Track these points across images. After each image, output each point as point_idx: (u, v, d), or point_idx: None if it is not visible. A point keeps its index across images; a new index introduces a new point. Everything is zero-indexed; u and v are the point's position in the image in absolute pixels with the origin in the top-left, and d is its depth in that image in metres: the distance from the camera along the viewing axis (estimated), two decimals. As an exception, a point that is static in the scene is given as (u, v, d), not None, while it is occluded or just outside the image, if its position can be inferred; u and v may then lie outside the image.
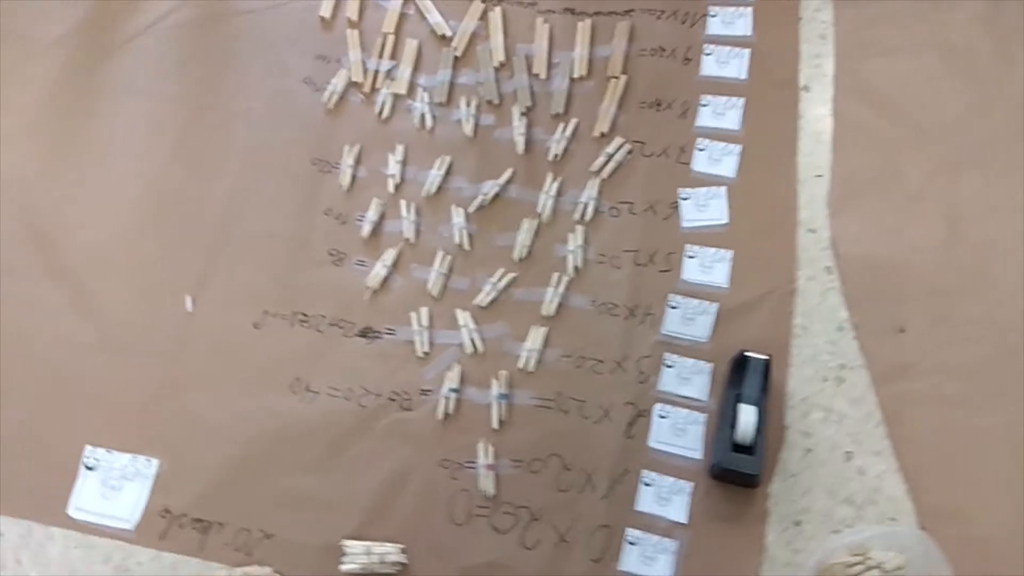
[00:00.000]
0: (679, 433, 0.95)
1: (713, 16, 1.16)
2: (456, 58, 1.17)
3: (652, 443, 0.95)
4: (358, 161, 1.12)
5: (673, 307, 1.00)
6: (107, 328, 1.06)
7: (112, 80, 1.21)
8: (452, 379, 0.99)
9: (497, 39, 1.16)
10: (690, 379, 0.97)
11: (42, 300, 1.08)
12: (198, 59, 1.22)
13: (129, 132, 1.18)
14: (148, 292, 1.08)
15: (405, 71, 1.16)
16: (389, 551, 0.91)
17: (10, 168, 1.16)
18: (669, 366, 0.98)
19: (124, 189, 1.14)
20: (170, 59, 1.22)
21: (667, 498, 0.92)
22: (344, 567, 0.90)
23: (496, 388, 0.98)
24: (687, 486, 0.93)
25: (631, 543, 0.91)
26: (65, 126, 1.19)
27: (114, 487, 0.99)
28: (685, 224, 1.05)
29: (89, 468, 1.00)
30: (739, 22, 1.14)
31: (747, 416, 0.88)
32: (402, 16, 1.20)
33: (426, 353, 1.02)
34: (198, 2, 1.25)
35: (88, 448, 1.00)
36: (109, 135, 1.18)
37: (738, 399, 0.91)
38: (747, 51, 1.13)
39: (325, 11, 1.21)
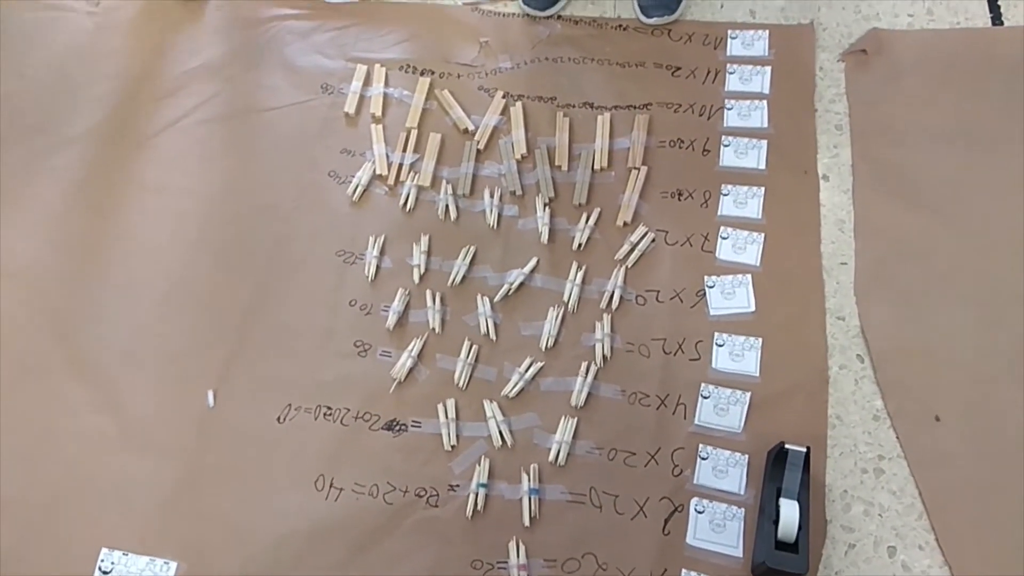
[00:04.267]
0: (718, 529, 0.95)
1: (729, 109, 1.23)
2: (479, 151, 1.24)
3: (691, 540, 0.95)
4: (383, 252, 1.17)
5: (705, 397, 1.02)
6: (128, 424, 1.08)
7: (136, 175, 1.28)
8: (481, 474, 1.00)
9: (519, 132, 1.23)
10: (726, 472, 0.98)
11: (63, 396, 1.11)
12: (223, 154, 1.29)
13: (153, 226, 1.23)
14: (170, 387, 1.10)
15: (429, 164, 1.23)
16: (418, 659, 0.90)
17: (33, 261, 1.21)
18: (704, 458, 0.99)
19: (147, 284, 1.19)
20: (195, 154, 1.29)
21: (708, 599, 0.92)
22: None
23: (527, 483, 0.99)
24: (729, 586, 0.93)
25: (672, 648, 0.90)
26: (89, 220, 1.25)
27: (130, 592, 0.99)
28: (712, 312, 1.08)
29: (105, 573, 1.00)
30: (755, 114, 1.22)
31: (790, 512, 0.89)
32: (425, 111, 1.28)
33: (453, 446, 1.03)
34: (223, 99, 1.33)
35: (104, 551, 1.00)
36: (133, 229, 1.23)
37: (778, 493, 0.92)
38: (764, 142, 1.19)
39: (350, 107, 1.29)
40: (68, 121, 1.34)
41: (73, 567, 1.00)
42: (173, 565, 0.99)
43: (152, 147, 1.30)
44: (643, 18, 1.31)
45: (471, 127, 1.25)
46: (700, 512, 0.96)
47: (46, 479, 1.06)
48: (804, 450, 0.94)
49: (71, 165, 1.29)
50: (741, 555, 0.94)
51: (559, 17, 1.34)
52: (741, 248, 1.12)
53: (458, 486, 1.01)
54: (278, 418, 1.07)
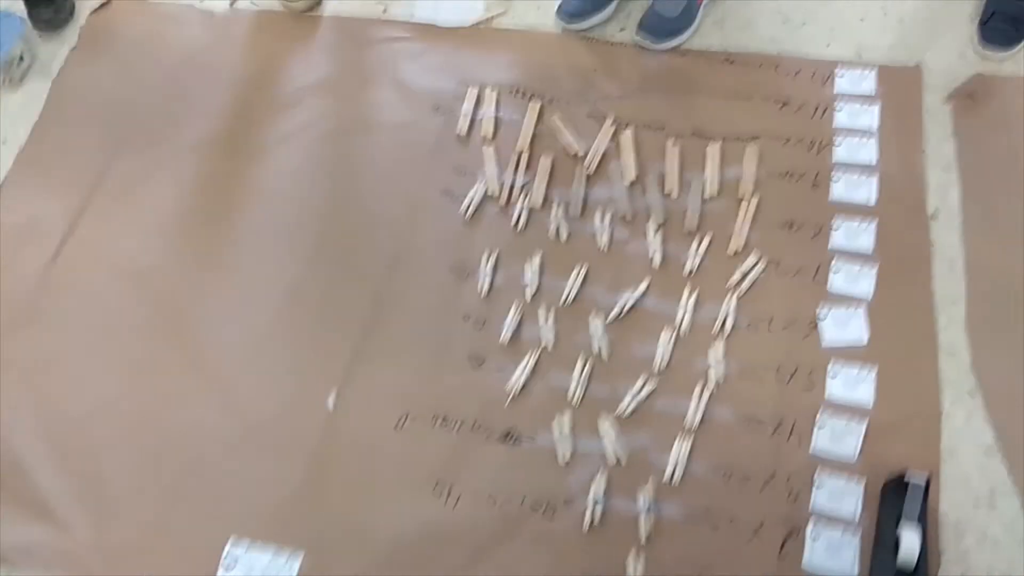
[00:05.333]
0: (833, 555, 0.99)
1: (838, 144, 1.28)
2: (589, 175, 1.29)
3: (806, 565, 0.99)
4: (496, 269, 1.23)
5: (820, 426, 1.06)
6: (249, 423, 1.14)
7: (253, 183, 1.35)
8: (597, 489, 1.05)
9: (629, 158, 1.29)
10: (841, 498, 1.02)
11: (184, 395, 1.18)
12: (338, 167, 1.36)
13: (270, 235, 1.30)
14: (290, 390, 1.17)
15: (540, 185, 1.29)
16: (540, 667, 0.94)
17: (153, 264, 1.29)
18: (819, 485, 1.03)
19: (264, 290, 1.25)
20: (310, 166, 1.36)
21: (825, 624, 0.95)
22: None
23: (643, 501, 1.04)
24: (845, 611, 0.96)
25: (790, 670, 0.93)
26: (207, 226, 1.32)
27: (255, 585, 1.04)
28: (825, 343, 1.13)
29: (230, 563, 1.05)
30: (864, 150, 1.27)
31: (910, 540, 0.93)
32: (535, 134, 1.34)
33: (568, 461, 1.08)
34: (337, 114, 1.41)
35: (232, 539, 1.06)
36: (250, 237, 1.30)
37: (897, 522, 0.95)
38: (874, 178, 1.24)
39: (461, 128, 1.36)
40: (185, 129, 1.42)
41: (200, 555, 1.06)
42: (298, 559, 1.04)
43: (268, 158, 1.38)
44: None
45: (581, 151, 1.31)
46: (815, 538, 1.00)
47: (170, 473, 1.12)
48: (925, 479, 0.97)
49: (189, 172, 1.37)
50: (857, 582, 0.98)
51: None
52: (853, 280, 1.17)
53: (573, 500, 1.06)
54: (396, 425, 1.13)
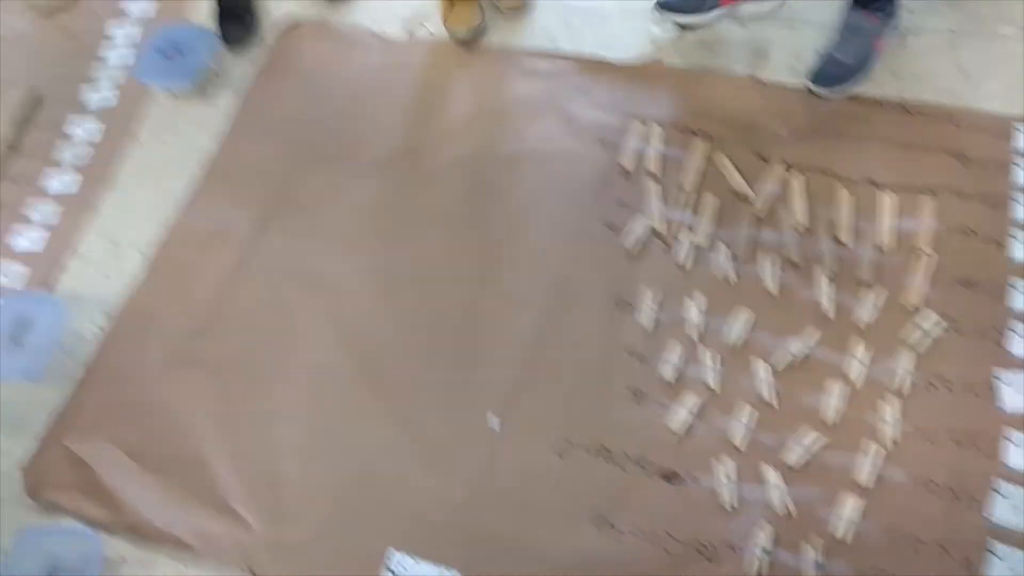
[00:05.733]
0: (1013, 631, 0.97)
1: (1019, 203, 1.25)
2: (758, 217, 1.30)
3: (983, 638, 0.97)
4: (660, 305, 1.25)
5: (1003, 496, 1.04)
6: (418, 438, 1.20)
7: (425, 205, 1.42)
8: (764, 539, 1.05)
9: (800, 203, 1.29)
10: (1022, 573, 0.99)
11: (361, 404, 1.24)
12: (504, 194, 1.41)
13: (441, 256, 1.36)
14: (457, 410, 1.22)
15: (706, 224, 1.30)
16: None
17: (332, 277, 1.36)
18: (1000, 558, 1.01)
19: (436, 308, 1.31)
20: (478, 191, 1.42)
21: None
22: None
23: (812, 555, 1.04)
24: None
25: None
26: (383, 244, 1.39)
27: (417, 598, 1.09)
28: (1006, 408, 1.10)
29: (391, 572, 1.10)
30: (1051, 210, 1.23)
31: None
32: (701, 173, 1.36)
33: (733, 507, 1.09)
34: (504, 143, 1.45)
35: (391, 551, 1.11)
36: (422, 257, 1.37)
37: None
38: (1062, 240, 1.21)
39: (627, 162, 1.39)
40: (363, 149, 1.50)
41: (362, 560, 1.12)
42: (455, 573, 1.09)
43: (439, 182, 1.44)
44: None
45: (749, 193, 1.32)
46: (994, 612, 0.98)
47: (341, 478, 1.19)
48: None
49: (367, 191, 1.45)
50: (1037, 662, 0.95)
51: (839, 92, 1.40)
52: (1038, 345, 1.14)
53: (737, 547, 1.06)
54: (559, 453, 1.16)
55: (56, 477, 1.25)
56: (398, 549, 1.11)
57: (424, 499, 1.15)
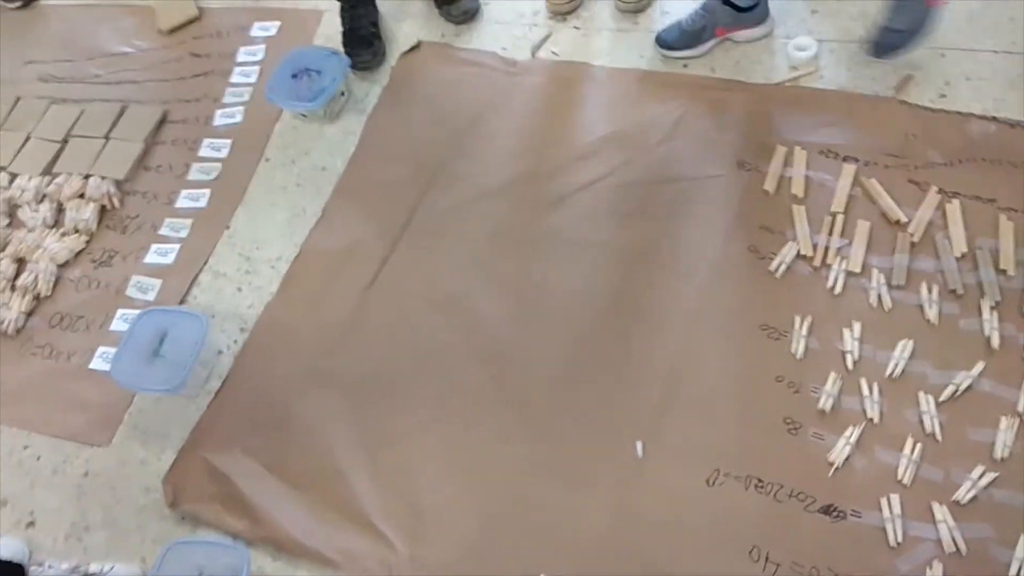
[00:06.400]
0: None
1: None
2: (912, 243, 1.31)
3: None
4: (810, 332, 1.26)
5: None
6: (562, 462, 1.23)
7: (554, 227, 1.46)
8: (934, 576, 1.05)
9: (958, 230, 1.30)
10: None
11: (500, 423, 1.28)
12: (638, 217, 1.45)
13: (574, 279, 1.40)
14: (600, 433, 1.25)
15: (859, 250, 1.32)
16: None
17: (462, 294, 1.42)
18: None
19: (571, 329, 1.35)
20: (609, 214, 1.46)
21: None
22: None
23: (988, 597, 1.03)
24: None
25: None
26: (512, 265, 1.44)
27: (567, 623, 1.11)
28: None
29: (542, 599, 1.13)
30: None
31: None
32: (850, 198, 1.38)
33: (899, 543, 1.09)
34: (636, 166, 1.50)
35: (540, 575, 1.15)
36: (553, 278, 1.41)
37: None
38: None
39: (769, 185, 1.42)
40: (489, 170, 1.56)
41: (510, 579, 1.15)
42: (607, 602, 1.11)
43: (567, 205, 1.48)
44: None
45: (903, 218, 1.33)
46: None
47: (482, 499, 1.22)
48: None
49: (496, 213, 1.51)
50: None
51: (994, 118, 1.40)
52: None
53: (907, 586, 1.06)
54: (707, 480, 1.18)
55: (196, 489, 1.31)
56: (544, 571, 1.14)
57: (569, 523, 1.18)
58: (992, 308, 1.23)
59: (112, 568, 1.19)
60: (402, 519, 1.23)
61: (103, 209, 1.71)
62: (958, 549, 1.07)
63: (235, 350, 1.45)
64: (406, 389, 1.35)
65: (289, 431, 1.35)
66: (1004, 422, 1.14)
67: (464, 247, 1.48)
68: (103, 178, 1.73)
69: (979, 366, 1.19)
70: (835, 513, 1.13)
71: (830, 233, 1.35)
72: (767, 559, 1.11)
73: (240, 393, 1.41)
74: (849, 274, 1.31)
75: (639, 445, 1.22)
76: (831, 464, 1.16)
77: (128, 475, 1.36)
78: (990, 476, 1.11)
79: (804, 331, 1.27)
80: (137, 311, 1.49)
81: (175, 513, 1.31)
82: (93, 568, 1.18)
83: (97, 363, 1.51)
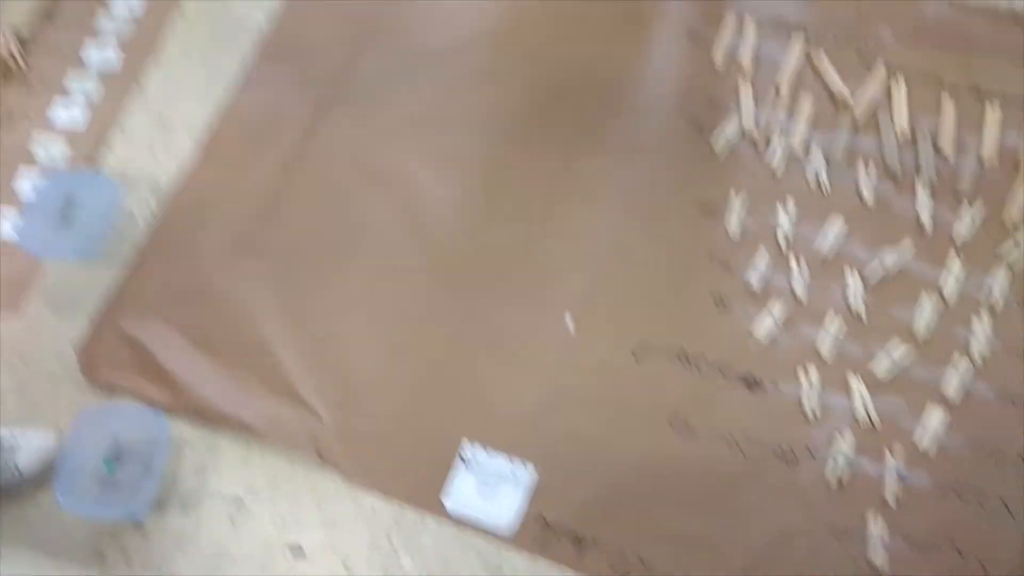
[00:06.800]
0: (1092, 545, 1.03)
1: None
2: (855, 122, 1.31)
3: (1059, 549, 1.04)
4: (747, 210, 1.28)
5: (1091, 412, 1.09)
6: (492, 336, 1.25)
7: (494, 100, 1.42)
8: (845, 446, 1.11)
9: (901, 109, 1.31)
10: (1104, 490, 1.06)
11: (431, 297, 1.28)
12: (581, 89, 1.41)
13: (511, 152, 1.37)
14: (532, 308, 1.26)
15: (800, 127, 1.32)
16: (780, 607, 1.03)
17: (398, 168, 1.38)
18: (1083, 473, 1.07)
19: (512, 202, 1.34)
20: (553, 86, 1.42)
21: (1075, 609, 1.01)
22: (732, 614, 1.03)
23: (892, 464, 1.10)
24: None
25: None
26: (448, 137, 1.40)
27: (490, 485, 1.15)
28: (1101, 329, 1.15)
29: (466, 463, 1.17)
30: None
31: None
32: (797, 73, 1.37)
33: (815, 414, 1.14)
34: (585, 41, 1.45)
35: (465, 442, 1.18)
36: (495, 149, 1.38)
37: None
38: None
39: (717, 57, 1.39)
40: (430, 33, 1.49)
41: (438, 452, 1.17)
42: (531, 468, 1.15)
43: (512, 74, 1.43)
44: None
45: (847, 96, 1.33)
46: (1073, 525, 1.05)
47: (412, 371, 1.24)
48: None
49: (434, 80, 1.44)
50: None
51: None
52: None
53: (818, 453, 1.12)
54: (634, 354, 1.21)
55: (113, 358, 1.29)
56: (472, 440, 1.17)
57: (497, 394, 1.20)
58: (927, 189, 1.26)
59: (24, 433, 1.19)
60: (329, 390, 1.24)
61: (5, 67, 1.60)
62: (871, 421, 1.13)
63: (151, 217, 1.40)
64: (337, 263, 1.33)
65: (212, 302, 1.33)
66: (926, 301, 1.19)
67: (399, 116, 1.43)
68: (4, 36, 1.61)
69: (908, 246, 1.23)
70: (755, 384, 1.18)
71: (774, 108, 1.35)
72: (690, 429, 1.16)
73: (159, 261, 1.37)
74: (791, 153, 1.32)
75: (568, 318, 1.24)
76: (755, 338, 1.20)
77: (39, 342, 1.33)
78: (907, 352, 1.16)
79: (740, 208, 1.28)
80: (42, 174, 1.43)
81: (92, 383, 1.29)
82: (3, 432, 1.17)
83: (3, 227, 1.45)
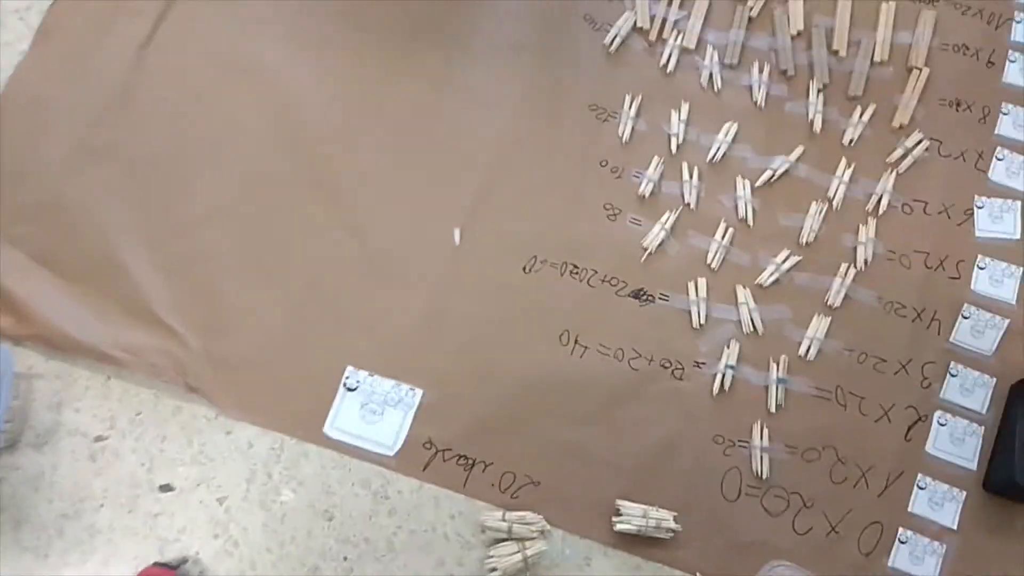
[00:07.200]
0: (957, 442, 1.09)
1: (1019, 22, 1.27)
2: (750, 19, 1.27)
3: (930, 449, 1.10)
4: (639, 114, 1.23)
5: (965, 317, 1.13)
6: (372, 251, 1.18)
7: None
8: (730, 356, 1.12)
9: (796, 6, 1.27)
10: (972, 391, 1.11)
11: (306, 210, 1.19)
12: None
13: (389, 47, 1.27)
14: (415, 222, 1.19)
15: (695, 24, 1.26)
16: (664, 517, 1.05)
17: (256, 60, 1.25)
18: (953, 375, 1.12)
19: (390, 109, 1.24)
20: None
21: (940, 503, 1.07)
22: (619, 527, 1.04)
23: (775, 372, 1.12)
24: (960, 494, 1.08)
25: (902, 542, 1.06)
26: (317, 28, 1.27)
27: (375, 411, 1.12)
28: (979, 234, 1.18)
29: (350, 389, 1.12)
30: (1048, 32, 1.26)
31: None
32: (693, -35, 1.30)
33: (701, 325, 1.14)
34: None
35: (350, 369, 1.13)
36: (368, 47, 1.26)
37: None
38: (1055, 63, 1.24)
39: (611, -55, 1.30)
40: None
41: (319, 379, 1.12)
42: (419, 391, 1.12)
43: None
44: None
45: (742, -9, 1.28)
46: (943, 424, 1.10)
47: (286, 291, 1.16)
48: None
49: None
50: (975, 468, 1.09)
51: None
52: (1015, 172, 1.20)
53: (704, 364, 1.13)
54: (523, 268, 1.17)
55: (-53, 283, 1.17)
56: (356, 367, 1.12)
57: (381, 316, 1.15)
58: (819, 91, 1.24)
59: None
60: (194, 312, 1.15)
61: None
62: (755, 330, 1.14)
63: (-19, 121, 1.24)
64: (198, 170, 1.21)
65: (59, 217, 1.20)
66: (814, 207, 1.19)
67: (260, 2, 1.29)
68: None
69: (798, 151, 1.21)
70: (644, 297, 1.16)
71: (669, 4, 1.29)
72: (576, 342, 1.14)
73: (-6, 173, 1.23)
74: (683, 51, 1.26)
75: (456, 232, 1.18)
76: (645, 250, 1.18)
77: None
78: (793, 260, 1.17)
79: (632, 112, 1.23)
80: None
81: (-78, 311, 1.17)
82: None
83: None
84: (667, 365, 1.13)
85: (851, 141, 1.21)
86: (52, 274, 1.17)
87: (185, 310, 1.15)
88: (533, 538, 1.05)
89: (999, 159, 1.21)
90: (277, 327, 1.15)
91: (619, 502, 1.06)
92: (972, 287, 1.16)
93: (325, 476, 1.09)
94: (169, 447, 1.10)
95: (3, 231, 1.20)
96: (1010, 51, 1.26)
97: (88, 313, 1.15)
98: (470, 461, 1.09)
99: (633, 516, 1.05)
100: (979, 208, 1.18)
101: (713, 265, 1.17)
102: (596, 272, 1.17)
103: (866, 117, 1.22)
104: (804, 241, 1.17)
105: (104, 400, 1.12)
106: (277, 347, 1.14)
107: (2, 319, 1.15)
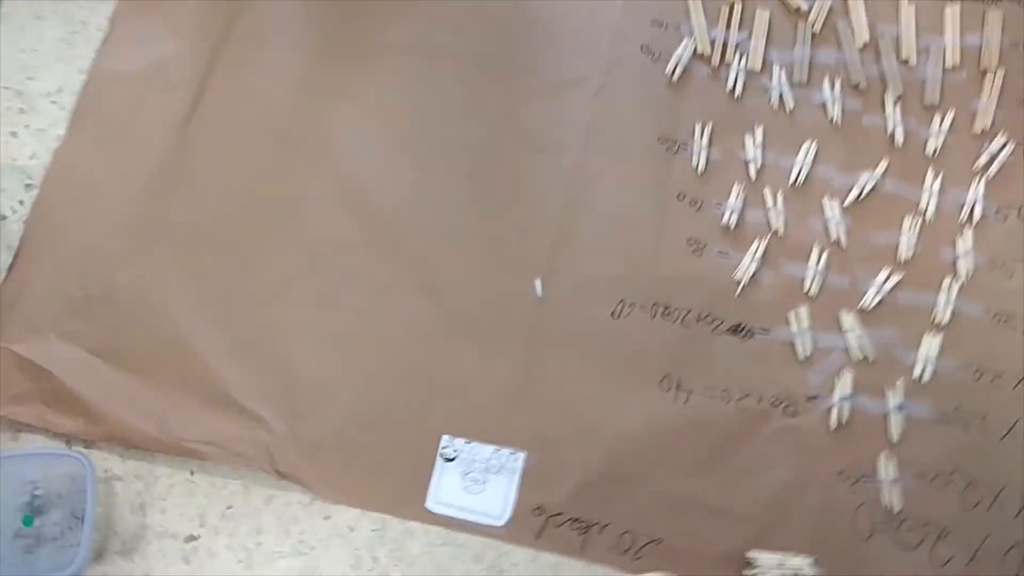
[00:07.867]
0: (1088, 455, 1.06)
1: (1088, 8, 1.25)
2: (813, 35, 1.24)
3: (1061, 463, 1.06)
4: (711, 142, 1.20)
5: (1081, 322, 1.10)
6: (450, 309, 1.14)
7: (411, 37, 1.26)
8: (844, 386, 1.09)
9: (860, 16, 1.24)
10: (1098, 398, 1.08)
11: (374, 275, 1.16)
12: (513, 20, 1.28)
13: (443, 97, 1.24)
14: (492, 275, 1.16)
15: (758, 44, 1.24)
16: (802, 564, 1.00)
17: (303, 122, 1.22)
18: (1076, 384, 1.08)
19: (446, 159, 1.21)
20: (477, 20, 1.27)
21: (1082, 522, 1.03)
22: (753, 578, 1.00)
23: (893, 398, 1.08)
24: (1102, 511, 1.04)
25: (1049, 565, 1.02)
26: (366, 85, 1.24)
27: (477, 480, 1.07)
28: (1080, 233, 1.15)
29: (448, 460, 1.08)
30: (1122, 18, 1.24)
31: None
32: (748, -17, 1.28)
33: (808, 356, 1.11)
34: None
35: (446, 438, 1.08)
36: (422, 99, 1.23)
37: None
38: None
39: (659, -25, 1.28)
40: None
41: (414, 451, 1.08)
42: (521, 455, 1.08)
43: (422, 7, 1.28)
44: None
45: (803, 6, 1.25)
46: (1072, 437, 1.07)
47: (367, 363, 1.12)
48: None
49: (334, 14, 1.28)
50: (1111, 486, 1.05)
51: None
52: (1108, 166, 1.18)
53: (816, 397, 1.09)
54: (612, 313, 1.14)
55: (7, 388, 1.11)
56: (452, 434, 1.08)
57: (468, 376, 1.11)
58: (895, 102, 1.21)
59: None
60: (275, 393, 1.11)
61: None
62: (865, 357, 1.11)
63: (23, 213, 1.20)
64: (259, 244, 1.18)
65: (115, 306, 1.16)
66: (907, 222, 1.16)
67: (299, 62, 1.26)
68: None
69: (883, 164, 1.19)
70: (744, 332, 1.13)
71: (728, 26, 1.26)
72: (678, 387, 1.10)
73: (41, 265, 1.18)
74: (749, 73, 1.24)
75: (538, 283, 1.15)
76: (737, 282, 1.14)
77: (-91, 383, 1.14)
78: (894, 279, 1.14)
79: (704, 141, 1.20)
80: None
81: (-10, 424, 1.12)
82: None
83: None
84: (777, 403, 1.09)
85: (935, 151, 1.18)
86: (116, 368, 1.13)
87: (265, 392, 1.11)
88: (667, 600, 1.00)
89: (1088, 153, 1.19)
90: (363, 400, 1.11)
91: (750, 553, 1.02)
92: (1082, 289, 1.13)
93: (434, 554, 1.05)
94: (266, 539, 1.05)
95: (58, 325, 1.15)
96: (1081, 41, 1.25)
97: (162, 405, 1.11)
98: (584, 524, 1.05)
99: (768, 567, 1.01)
100: (1076, 207, 1.16)
101: (811, 292, 1.13)
102: (689, 311, 1.13)
103: (946, 125, 1.19)
104: (903, 258, 1.14)
105: (190, 497, 1.07)
106: (366, 421, 1.10)
107: (70, 422, 1.10)
